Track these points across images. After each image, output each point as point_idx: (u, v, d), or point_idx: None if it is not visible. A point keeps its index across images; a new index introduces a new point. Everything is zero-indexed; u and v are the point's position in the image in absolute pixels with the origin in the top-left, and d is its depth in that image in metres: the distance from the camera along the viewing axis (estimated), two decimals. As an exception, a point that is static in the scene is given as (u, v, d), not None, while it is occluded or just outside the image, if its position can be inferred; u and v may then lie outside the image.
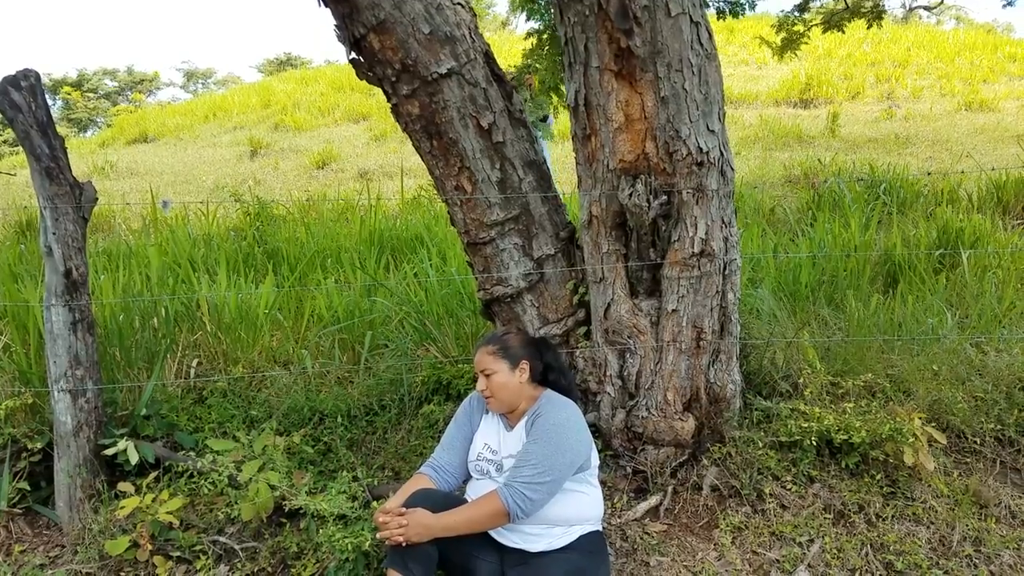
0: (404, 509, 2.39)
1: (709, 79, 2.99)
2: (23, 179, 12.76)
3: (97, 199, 3.36)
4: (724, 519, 3.03)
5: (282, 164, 14.99)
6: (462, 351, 4.21)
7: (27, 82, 3.13)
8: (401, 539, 2.34)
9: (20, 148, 3.32)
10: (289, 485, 3.00)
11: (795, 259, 5.17)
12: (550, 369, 2.76)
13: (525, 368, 2.67)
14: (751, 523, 3.01)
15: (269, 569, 2.94)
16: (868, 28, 9.15)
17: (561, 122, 12.91)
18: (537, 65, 8.70)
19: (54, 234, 3.19)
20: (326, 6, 3.08)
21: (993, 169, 7.42)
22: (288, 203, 9.09)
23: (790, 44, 9.52)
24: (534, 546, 2.47)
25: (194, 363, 4.25)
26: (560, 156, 11.67)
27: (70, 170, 3.25)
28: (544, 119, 8.54)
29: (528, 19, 9.03)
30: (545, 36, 8.46)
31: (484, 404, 2.78)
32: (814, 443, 3.14)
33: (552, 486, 2.44)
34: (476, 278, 3.56)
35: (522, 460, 2.47)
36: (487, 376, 2.63)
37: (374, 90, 3.38)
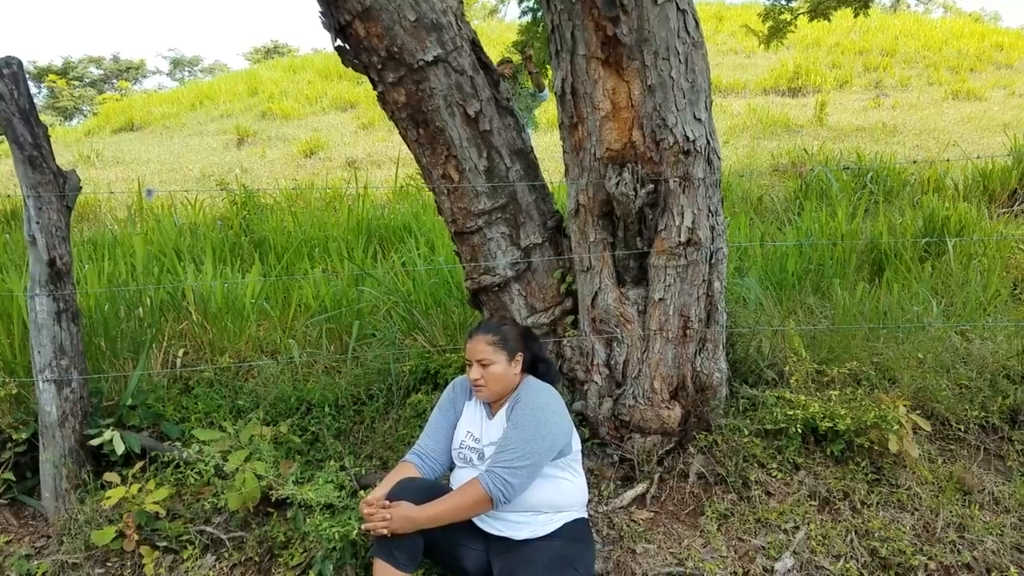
0: (388, 502, 2.40)
1: (696, 67, 2.98)
2: (6, 168, 12.67)
3: (81, 188, 3.33)
4: (710, 506, 3.05)
5: (269, 153, 14.91)
6: (450, 340, 4.20)
7: (9, 69, 3.09)
8: (385, 531, 2.34)
9: (3, 136, 3.28)
10: (276, 475, 3.00)
11: (782, 248, 5.19)
12: (539, 360, 2.77)
13: (519, 360, 2.67)
14: (737, 510, 3.02)
15: (256, 559, 2.93)
16: (855, 17, 9.12)
17: (549, 111, 12.91)
18: (534, 42, 8.83)
19: (37, 223, 3.16)
20: (311, -7, 3.06)
21: (979, 157, 7.46)
22: (275, 192, 9.04)
23: (777, 32, 9.50)
24: (519, 534, 2.48)
25: (180, 353, 4.23)
26: (548, 145, 11.65)
27: (53, 158, 3.22)
28: (540, 89, 8.63)
29: (521, 2, 9.18)
30: (540, 15, 8.58)
31: (467, 390, 2.78)
32: (799, 430, 3.16)
33: (532, 470, 2.45)
34: (464, 267, 3.55)
35: (502, 446, 2.48)
36: (484, 366, 2.62)
37: (362, 78, 3.36)
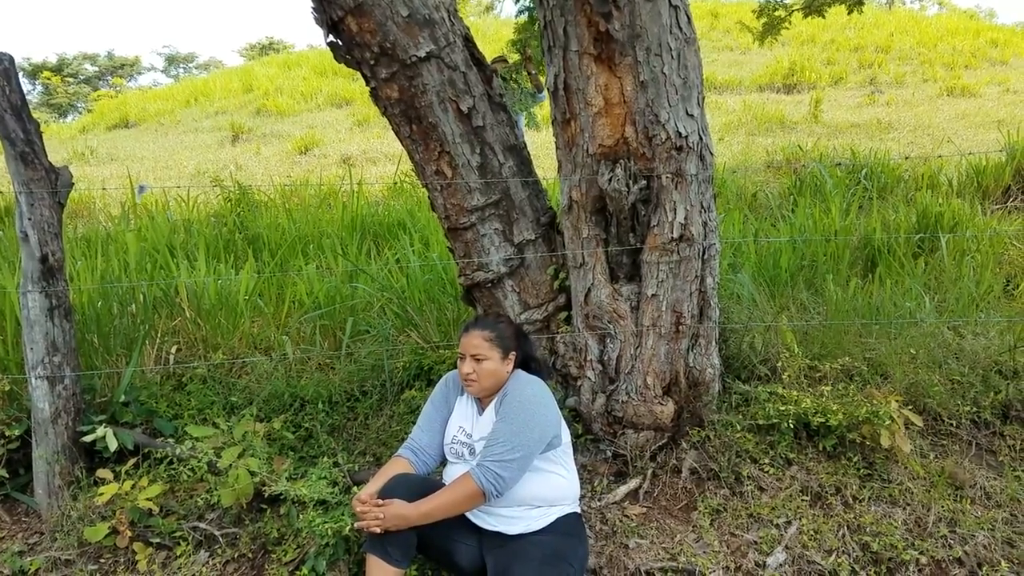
0: (381, 501, 2.40)
1: (688, 63, 2.98)
2: None
3: (73, 184, 3.32)
4: (703, 502, 3.05)
5: (264, 149, 14.88)
6: (443, 337, 4.21)
7: (0, 65, 3.08)
8: (378, 529, 2.35)
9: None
10: (269, 471, 3.00)
11: (775, 244, 5.20)
12: (530, 359, 2.77)
13: (512, 359, 2.67)
14: (729, 505, 3.03)
15: (249, 555, 2.94)
16: (849, 14, 9.15)
17: (546, 108, 12.88)
18: (532, 41, 8.83)
19: (29, 219, 3.15)
20: (303, -12, 3.05)
21: (972, 154, 7.47)
22: (270, 189, 9.03)
23: (771, 29, 9.52)
24: (512, 528, 2.48)
25: (173, 349, 4.22)
26: (544, 142, 11.64)
27: (45, 155, 3.21)
28: (539, 89, 8.61)
29: (517, 1, 9.16)
30: (534, 13, 8.57)
31: (459, 385, 2.78)
32: (792, 426, 3.17)
33: (523, 462, 2.45)
34: (457, 263, 3.55)
35: (492, 439, 2.48)
36: (478, 361, 2.61)
37: (357, 75, 3.35)
